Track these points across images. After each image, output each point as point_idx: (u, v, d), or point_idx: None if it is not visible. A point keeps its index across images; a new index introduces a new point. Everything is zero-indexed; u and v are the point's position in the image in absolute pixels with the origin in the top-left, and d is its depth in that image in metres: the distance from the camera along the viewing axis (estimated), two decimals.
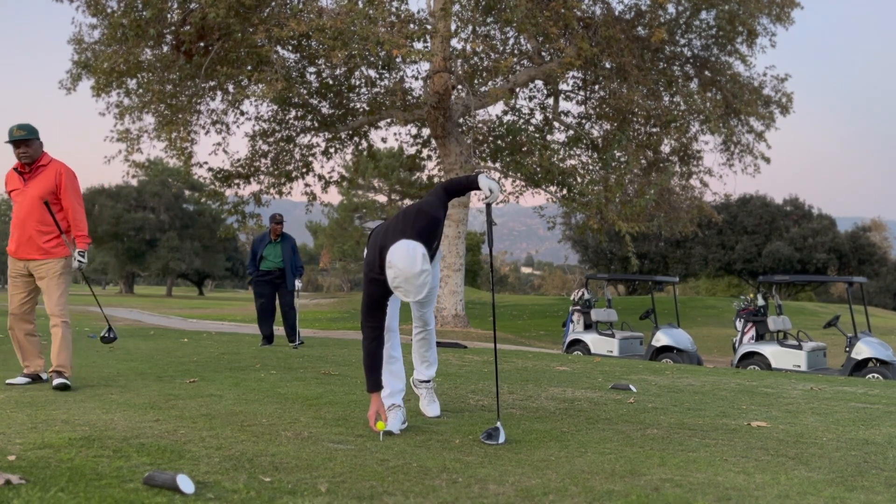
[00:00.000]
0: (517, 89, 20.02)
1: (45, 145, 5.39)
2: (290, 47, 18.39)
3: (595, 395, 5.49)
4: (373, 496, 2.63)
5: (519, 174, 20.96)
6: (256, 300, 9.95)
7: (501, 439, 3.63)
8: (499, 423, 3.78)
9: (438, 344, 12.28)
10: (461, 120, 20.28)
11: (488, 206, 4.04)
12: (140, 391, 5.09)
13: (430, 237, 3.85)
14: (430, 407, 4.46)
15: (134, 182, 62.70)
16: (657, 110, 19.61)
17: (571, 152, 21.26)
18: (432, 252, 4.00)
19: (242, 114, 20.36)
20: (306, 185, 21.86)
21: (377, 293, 3.87)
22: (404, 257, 3.52)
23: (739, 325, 12.72)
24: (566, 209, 22.31)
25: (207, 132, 20.19)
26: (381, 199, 52.13)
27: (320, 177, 21.92)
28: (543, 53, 19.44)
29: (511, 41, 20.11)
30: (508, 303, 37.79)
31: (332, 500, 2.57)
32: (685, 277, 51.62)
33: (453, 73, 18.49)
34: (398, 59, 16.61)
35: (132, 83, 18.48)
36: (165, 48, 17.98)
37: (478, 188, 3.99)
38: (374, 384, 3.90)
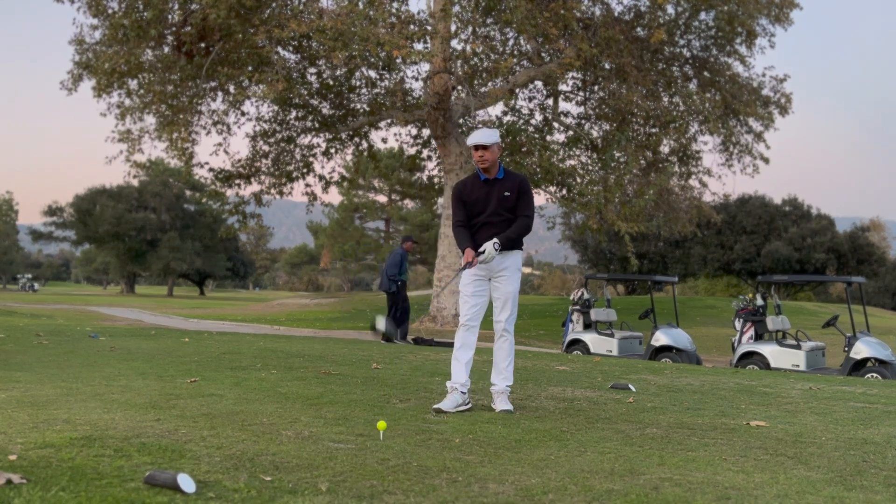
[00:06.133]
0: (517, 90, 20.01)
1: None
2: (291, 48, 18.41)
3: (594, 395, 5.50)
4: (373, 495, 2.64)
5: None
6: (406, 303, 12.05)
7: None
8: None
9: (438, 343, 12.29)
10: (461, 120, 20.28)
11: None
12: (141, 391, 5.09)
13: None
14: (502, 403, 4.72)
15: (135, 182, 62.72)
16: (656, 111, 19.61)
17: (571, 153, 21.25)
18: (514, 219, 4.74)
19: (243, 114, 20.39)
20: (307, 185, 21.88)
21: (458, 202, 4.76)
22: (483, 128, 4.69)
23: (738, 324, 12.69)
24: (566, 209, 22.30)
25: (208, 133, 20.22)
26: (382, 199, 52.11)
27: (321, 177, 21.94)
28: (543, 54, 19.44)
29: (511, 42, 20.11)
30: None
31: (333, 499, 2.58)
32: (684, 277, 51.59)
33: (453, 74, 18.49)
34: (398, 60, 16.59)
35: (133, 84, 18.50)
36: (166, 49, 18.00)
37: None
38: (467, 243, 4.69)
